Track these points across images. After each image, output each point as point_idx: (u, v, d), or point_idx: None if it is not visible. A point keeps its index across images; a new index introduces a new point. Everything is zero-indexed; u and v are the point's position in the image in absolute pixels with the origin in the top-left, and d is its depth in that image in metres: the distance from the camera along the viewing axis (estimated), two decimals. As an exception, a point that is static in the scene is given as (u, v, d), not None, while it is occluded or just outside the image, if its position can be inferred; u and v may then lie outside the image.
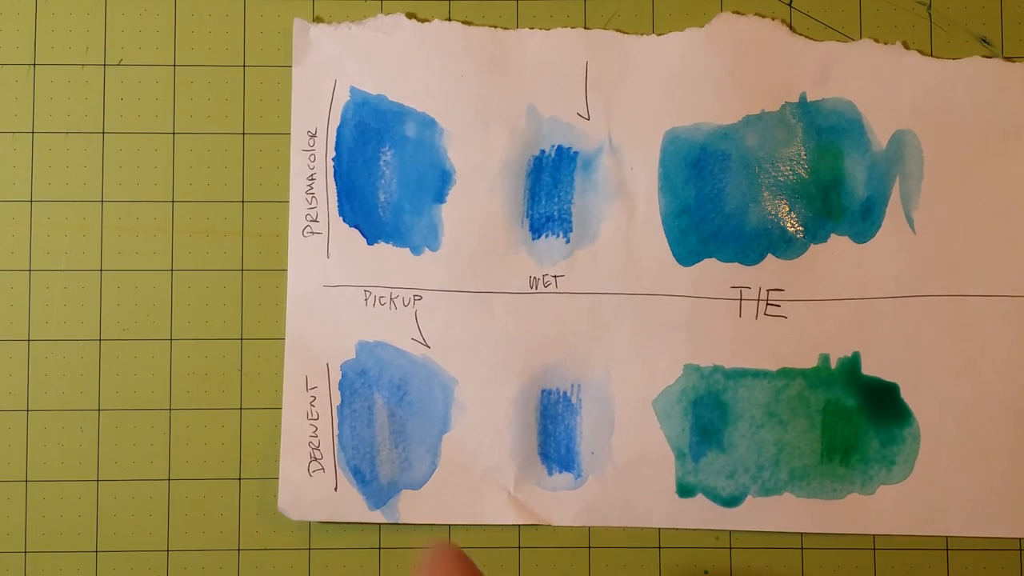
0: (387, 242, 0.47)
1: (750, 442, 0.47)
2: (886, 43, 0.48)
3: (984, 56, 0.47)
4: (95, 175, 0.48)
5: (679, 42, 0.47)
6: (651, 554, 0.47)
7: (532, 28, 0.48)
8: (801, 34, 0.48)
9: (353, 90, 0.47)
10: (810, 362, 0.47)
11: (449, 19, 0.48)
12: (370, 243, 0.47)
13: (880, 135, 0.47)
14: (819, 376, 0.47)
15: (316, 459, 0.47)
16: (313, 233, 0.47)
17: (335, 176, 0.47)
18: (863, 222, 0.47)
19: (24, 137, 0.48)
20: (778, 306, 0.47)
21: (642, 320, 0.47)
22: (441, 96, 0.47)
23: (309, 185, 0.47)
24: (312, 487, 0.47)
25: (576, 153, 0.47)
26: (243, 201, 0.48)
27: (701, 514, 0.47)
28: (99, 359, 0.47)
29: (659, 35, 0.48)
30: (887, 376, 0.47)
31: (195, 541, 0.47)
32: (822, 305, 0.47)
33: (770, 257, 0.47)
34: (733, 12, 0.48)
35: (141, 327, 0.47)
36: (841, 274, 0.47)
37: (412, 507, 0.47)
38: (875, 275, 0.47)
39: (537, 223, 0.47)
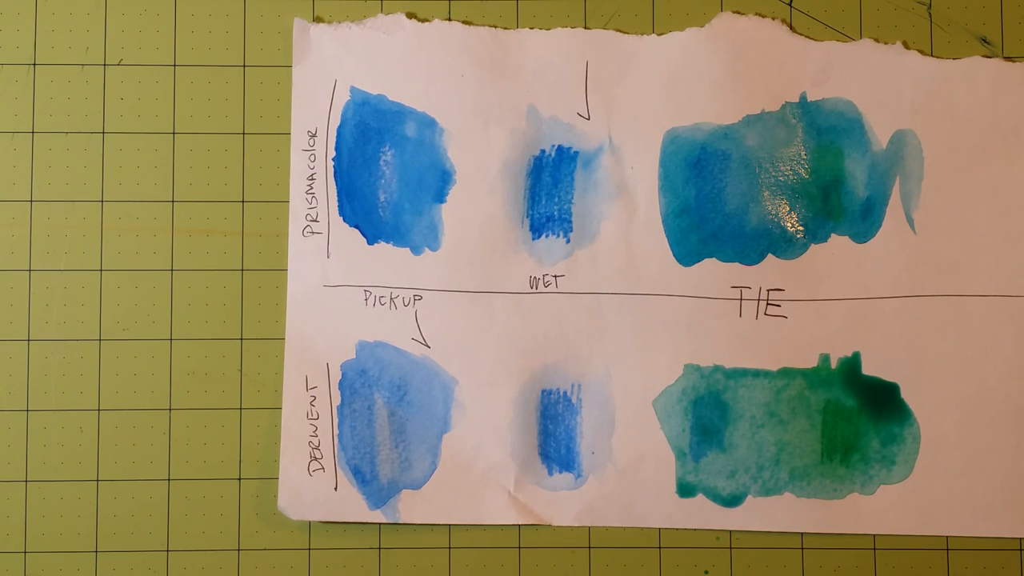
0: (387, 242, 0.47)
1: (750, 442, 0.47)
2: (886, 43, 0.48)
3: (984, 56, 0.47)
4: (95, 175, 0.48)
5: (679, 42, 0.47)
6: (651, 554, 0.47)
7: (532, 28, 0.48)
8: (801, 34, 0.48)
9: (353, 90, 0.47)
10: (810, 362, 0.47)
11: (449, 19, 0.48)
12: (370, 243, 0.47)
13: (880, 135, 0.47)
14: (819, 376, 0.47)
15: (316, 459, 0.47)
16: (313, 233, 0.47)
17: (335, 176, 0.47)
18: (863, 222, 0.47)
19: (24, 137, 0.48)
20: (778, 306, 0.47)
21: (642, 320, 0.47)
22: (441, 96, 0.47)
23: (309, 185, 0.47)
24: (312, 487, 0.47)
25: (576, 153, 0.47)
26: (243, 201, 0.48)
27: (701, 514, 0.47)
28: (99, 359, 0.47)
29: (659, 35, 0.48)
30: (887, 376, 0.47)
31: (195, 541, 0.47)
32: (822, 305, 0.47)
33: (770, 257, 0.47)
34: (733, 12, 0.48)
35: (141, 327, 0.47)
36: (841, 274, 0.47)
37: (412, 507, 0.47)
38: (875, 275, 0.47)
39: (537, 223, 0.47)
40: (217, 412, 0.47)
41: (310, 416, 0.47)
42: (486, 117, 0.47)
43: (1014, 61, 0.47)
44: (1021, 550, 0.47)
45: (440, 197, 0.47)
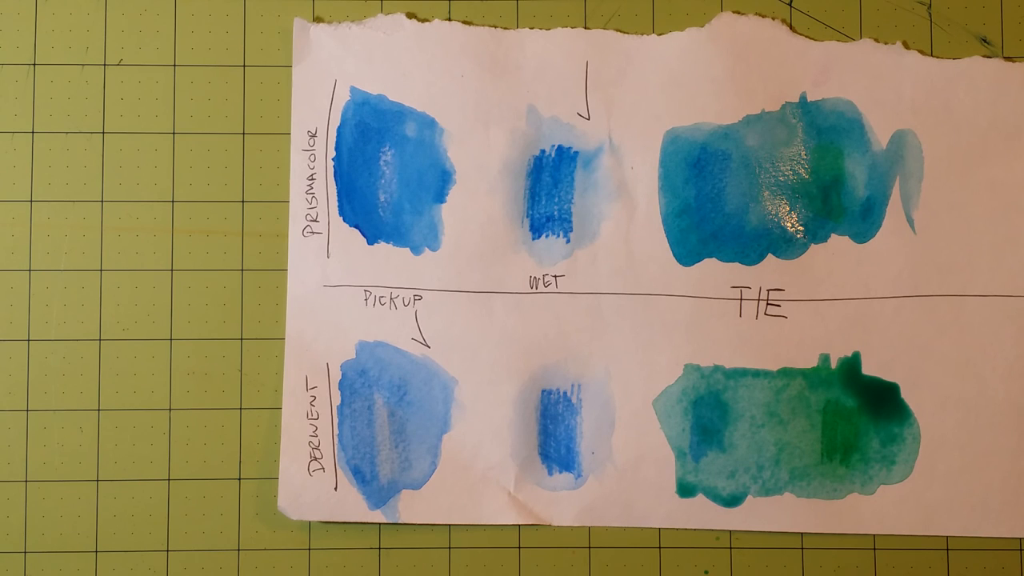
0: (387, 242, 0.47)
1: (750, 442, 0.47)
2: (886, 43, 0.48)
3: (984, 56, 0.47)
4: (95, 175, 0.48)
5: (679, 42, 0.47)
6: (651, 554, 0.47)
7: (532, 28, 0.48)
8: (801, 34, 0.48)
9: (353, 90, 0.47)
10: (810, 362, 0.47)
11: (449, 19, 0.48)
12: (370, 243, 0.47)
13: (880, 135, 0.47)
14: (819, 376, 0.47)
15: (316, 459, 0.47)
16: (313, 233, 0.47)
17: (335, 176, 0.47)
18: (863, 222, 0.47)
19: (24, 137, 0.48)
20: (778, 306, 0.47)
21: (642, 320, 0.47)
22: (441, 96, 0.47)
23: (309, 185, 0.47)
24: (312, 487, 0.47)
25: (576, 153, 0.47)
26: (243, 201, 0.48)
27: (701, 514, 0.47)
28: (99, 359, 0.47)
29: (659, 35, 0.48)
30: (887, 376, 0.47)
31: (195, 541, 0.47)
32: (822, 305, 0.47)
33: (770, 257, 0.47)
34: (733, 12, 0.48)
35: (141, 327, 0.47)
36: (841, 274, 0.47)
37: (412, 507, 0.47)
38: (875, 275, 0.47)
39: (537, 223, 0.47)
40: (217, 412, 0.47)
41: (310, 416, 0.47)
42: (486, 117, 0.47)
43: (1014, 61, 0.47)
44: (1021, 550, 0.47)
45: (440, 197, 0.47)
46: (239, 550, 0.47)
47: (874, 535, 0.47)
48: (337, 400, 0.47)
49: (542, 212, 0.47)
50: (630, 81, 0.47)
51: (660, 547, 0.47)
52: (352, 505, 0.47)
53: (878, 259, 0.47)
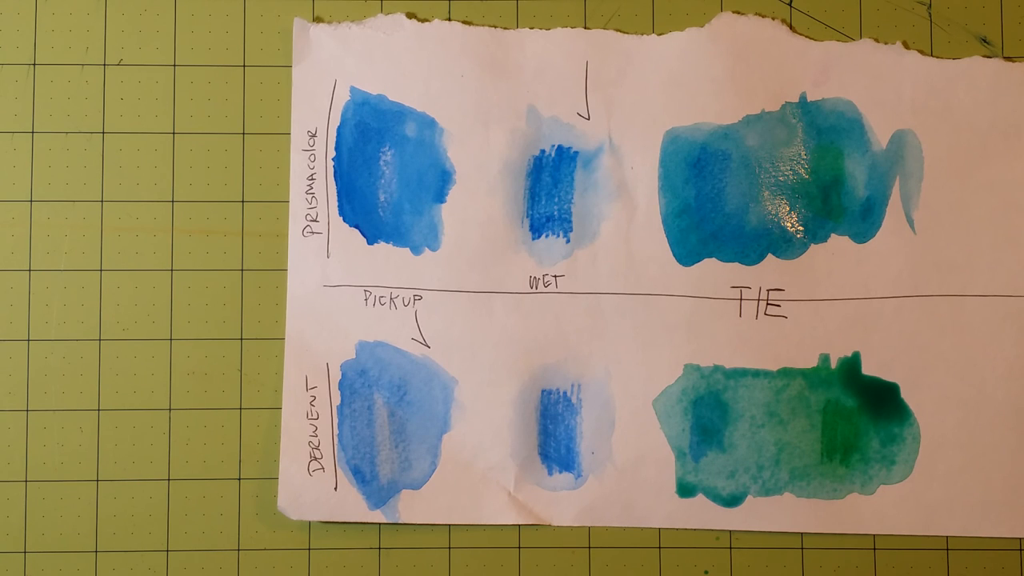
0: (387, 242, 0.47)
1: (750, 442, 0.47)
2: (886, 43, 0.48)
3: (984, 56, 0.47)
4: (95, 175, 0.48)
5: (679, 42, 0.47)
6: (651, 554, 0.47)
7: (532, 28, 0.48)
8: (801, 34, 0.48)
9: (353, 90, 0.47)
10: (810, 362, 0.47)
11: (449, 19, 0.48)
12: (370, 243, 0.47)
13: (880, 135, 0.47)
14: (819, 376, 0.47)
15: (316, 459, 0.47)
16: (313, 233, 0.47)
17: (335, 176, 0.47)
18: (863, 222, 0.47)
19: (24, 137, 0.48)
20: (778, 306, 0.47)
21: (642, 320, 0.47)
22: (441, 96, 0.47)
23: (309, 185, 0.47)
24: (312, 487, 0.47)
25: (576, 153, 0.47)
26: (243, 201, 0.48)
27: (701, 514, 0.47)
28: (99, 359, 0.47)
29: (659, 35, 0.48)
30: (887, 376, 0.47)
31: (195, 541, 0.47)
32: (822, 305, 0.47)
33: (770, 257, 0.47)
34: (733, 12, 0.48)
35: (141, 327, 0.47)
36: (841, 274, 0.47)
37: (412, 507, 0.47)
38: (875, 275, 0.47)
39: (537, 223, 0.47)
40: (217, 412, 0.47)
41: (310, 416, 0.47)
42: (486, 117, 0.47)
43: (1014, 61, 0.47)
44: (1021, 550, 0.47)
45: (440, 197, 0.47)
46: (239, 550, 0.47)
47: (874, 535, 0.47)
48: (337, 400, 0.47)
49: (542, 212, 0.47)
50: (630, 81, 0.47)
51: (660, 547, 0.47)
52: (352, 505, 0.47)
53: (878, 259, 0.47)
